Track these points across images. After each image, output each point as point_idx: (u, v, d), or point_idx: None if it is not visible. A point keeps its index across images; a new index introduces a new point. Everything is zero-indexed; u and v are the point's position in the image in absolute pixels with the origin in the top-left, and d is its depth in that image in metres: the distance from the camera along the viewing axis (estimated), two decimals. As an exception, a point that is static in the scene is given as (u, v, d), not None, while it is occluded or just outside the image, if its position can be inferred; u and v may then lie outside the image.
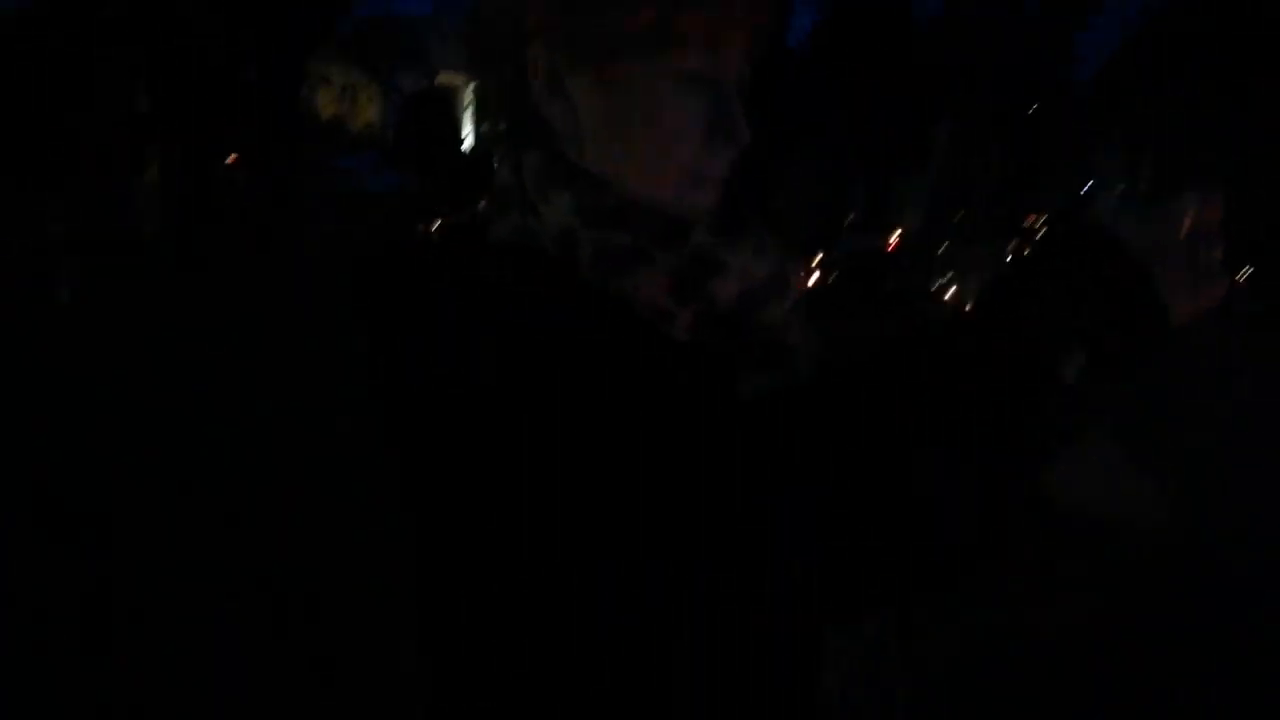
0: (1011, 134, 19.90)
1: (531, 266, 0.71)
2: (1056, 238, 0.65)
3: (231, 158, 13.32)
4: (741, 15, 0.71)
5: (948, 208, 11.30)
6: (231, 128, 12.65)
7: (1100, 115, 22.01)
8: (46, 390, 5.63)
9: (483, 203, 0.78)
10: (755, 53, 0.74)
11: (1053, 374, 0.62)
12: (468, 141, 20.83)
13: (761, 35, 0.74)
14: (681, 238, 0.71)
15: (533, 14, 0.72)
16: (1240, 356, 8.31)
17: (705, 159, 0.72)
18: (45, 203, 10.30)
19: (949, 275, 12.05)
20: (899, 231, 12.84)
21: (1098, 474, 0.68)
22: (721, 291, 0.72)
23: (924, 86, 16.00)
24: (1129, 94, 20.62)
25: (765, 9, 0.73)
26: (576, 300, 0.69)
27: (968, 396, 0.61)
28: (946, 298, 11.54)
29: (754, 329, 0.74)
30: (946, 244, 12.52)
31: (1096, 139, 23.06)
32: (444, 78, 22.46)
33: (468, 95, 25.95)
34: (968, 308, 0.65)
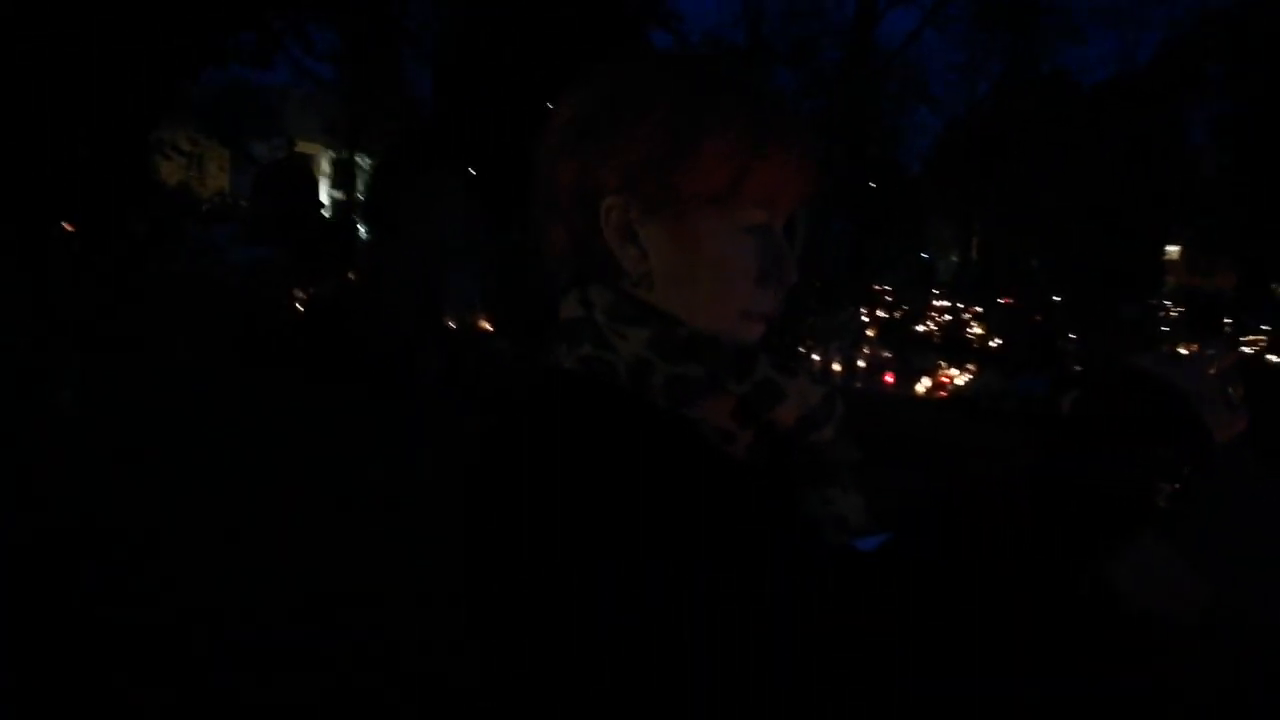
0: (858, 214, 21.35)
1: (604, 392, 0.78)
2: (1112, 384, 0.74)
3: (67, 225, 12.48)
4: (797, 174, 0.80)
5: (808, 282, 12.04)
6: (66, 196, 11.84)
7: (932, 195, 23.98)
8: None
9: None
10: (802, 201, 0.83)
11: (1151, 504, 0.69)
12: (326, 210, 20.28)
13: (810, 186, 0.82)
14: (750, 369, 0.79)
15: (612, 173, 0.78)
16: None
17: (759, 298, 0.80)
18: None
19: (812, 344, 12.73)
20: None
21: (1149, 568, 0.71)
22: (783, 416, 0.80)
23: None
24: (956, 176, 22.60)
25: (815, 167, 0.82)
26: (648, 422, 0.75)
27: (1069, 536, 0.67)
28: (814, 359, 12.18)
29: (806, 447, 0.83)
30: (811, 317, 13.21)
31: (930, 216, 25.04)
32: (302, 146, 21.92)
33: (324, 164, 25.28)
34: (1050, 452, 0.71)
